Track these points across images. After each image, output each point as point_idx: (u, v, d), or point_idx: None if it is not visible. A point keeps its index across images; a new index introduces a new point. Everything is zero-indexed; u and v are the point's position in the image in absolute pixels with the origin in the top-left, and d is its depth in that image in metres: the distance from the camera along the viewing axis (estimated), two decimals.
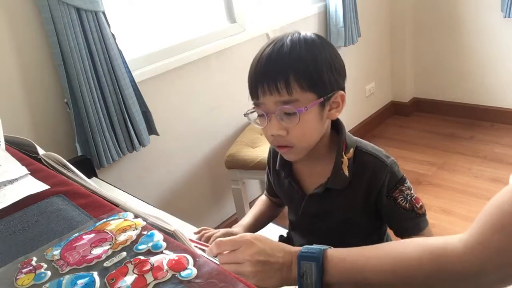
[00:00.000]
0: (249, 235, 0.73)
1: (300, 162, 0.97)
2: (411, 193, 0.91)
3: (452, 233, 0.64)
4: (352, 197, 0.92)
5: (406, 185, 0.91)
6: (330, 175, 0.91)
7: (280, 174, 1.02)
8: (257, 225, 1.11)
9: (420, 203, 0.92)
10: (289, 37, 0.86)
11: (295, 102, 0.83)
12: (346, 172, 0.90)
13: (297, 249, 0.72)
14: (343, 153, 0.90)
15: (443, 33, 2.97)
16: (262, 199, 1.19)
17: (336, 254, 0.70)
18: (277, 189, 1.08)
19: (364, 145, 0.94)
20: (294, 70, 0.82)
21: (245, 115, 0.91)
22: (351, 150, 0.91)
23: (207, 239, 0.99)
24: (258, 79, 0.85)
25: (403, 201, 0.90)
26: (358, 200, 0.92)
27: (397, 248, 0.69)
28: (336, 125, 0.94)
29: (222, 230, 1.01)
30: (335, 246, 1.00)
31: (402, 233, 0.93)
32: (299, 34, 0.87)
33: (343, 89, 0.89)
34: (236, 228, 1.07)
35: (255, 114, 0.90)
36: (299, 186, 0.98)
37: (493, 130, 2.89)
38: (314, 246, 0.71)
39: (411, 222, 0.91)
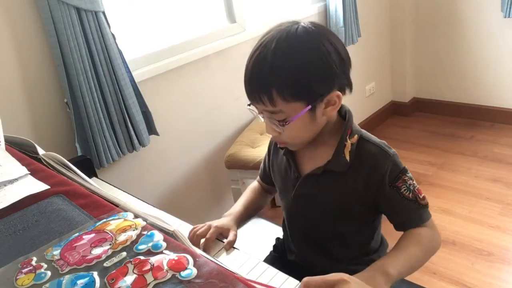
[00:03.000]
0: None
1: None
2: (414, 183, 0.91)
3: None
4: (350, 183, 0.91)
5: (408, 175, 0.91)
6: (331, 157, 0.91)
7: (280, 152, 1.03)
8: (247, 213, 1.11)
9: (423, 194, 0.92)
10: (274, 42, 0.81)
11: (280, 113, 0.84)
12: (347, 157, 0.90)
13: None
14: (347, 137, 0.90)
15: (443, 33, 2.97)
16: (253, 187, 1.19)
17: None
18: (273, 170, 1.07)
19: (368, 135, 0.94)
20: (276, 83, 0.81)
21: (248, 108, 0.91)
22: (356, 136, 0.91)
23: (200, 238, 0.98)
24: (246, 86, 0.86)
25: (406, 191, 0.90)
26: (356, 187, 0.91)
27: None
28: (344, 111, 0.95)
29: (213, 229, 0.99)
30: (328, 235, 1.00)
31: (405, 225, 0.92)
32: (293, 31, 0.82)
33: (344, 85, 0.87)
34: (227, 217, 1.07)
35: None
36: (296, 166, 0.98)
37: (493, 130, 2.89)
38: None
39: (414, 213, 0.91)
